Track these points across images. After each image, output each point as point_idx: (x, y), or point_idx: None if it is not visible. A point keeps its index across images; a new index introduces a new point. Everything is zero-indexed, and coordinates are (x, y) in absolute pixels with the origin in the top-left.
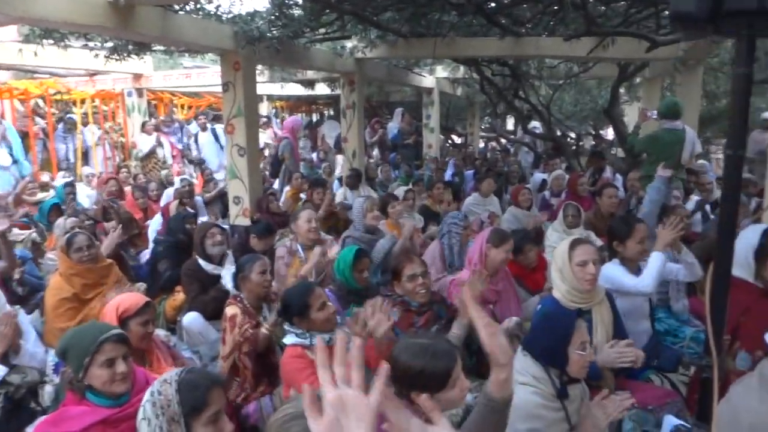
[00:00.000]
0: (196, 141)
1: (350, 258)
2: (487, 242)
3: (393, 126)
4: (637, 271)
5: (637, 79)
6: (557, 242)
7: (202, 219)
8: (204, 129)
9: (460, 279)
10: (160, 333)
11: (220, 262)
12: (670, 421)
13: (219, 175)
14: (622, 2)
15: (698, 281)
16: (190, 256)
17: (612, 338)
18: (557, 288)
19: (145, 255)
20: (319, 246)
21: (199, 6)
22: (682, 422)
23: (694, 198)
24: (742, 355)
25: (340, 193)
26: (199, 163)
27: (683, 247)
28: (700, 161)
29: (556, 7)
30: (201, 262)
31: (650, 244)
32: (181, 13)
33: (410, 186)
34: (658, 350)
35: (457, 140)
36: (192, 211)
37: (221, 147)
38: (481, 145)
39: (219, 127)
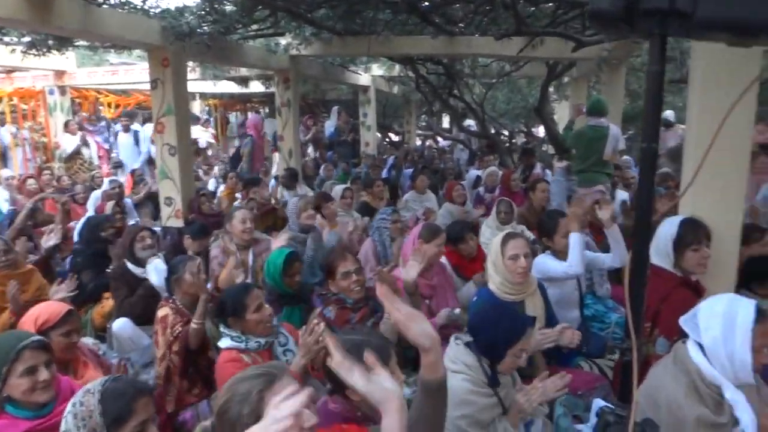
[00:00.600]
0: (115, 139)
1: (280, 262)
2: (419, 237)
3: (330, 124)
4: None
5: (566, 78)
6: (491, 237)
7: (132, 222)
8: (126, 130)
9: (396, 275)
10: (88, 341)
11: None
12: (597, 404)
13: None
14: (551, 3)
15: (621, 270)
16: (110, 262)
17: (544, 327)
18: (492, 280)
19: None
20: (232, 257)
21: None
22: (607, 404)
23: (620, 193)
24: (661, 341)
25: (277, 192)
26: (117, 166)
27: (613, 225)
28: (625, 157)
29: (487, 7)
30: (129, 265)
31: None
32: (104, 6)
33: (348, 184)
34: (587, 337)
35: (395, 138)
36: (116, 212)
37: (140, 152)
38: (419, 142)
39: (147, 128)
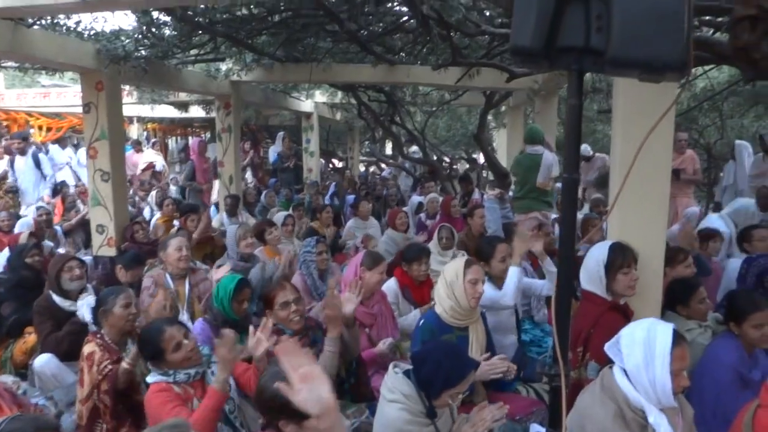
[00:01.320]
0: (11, 166)
1: (231, 288)
2: (361, 265)
3: (274, 150)
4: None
5: (503, 107)
6: (431, 263)
7: (61, 250)
8: (23, 153)
9: None
10: (6, 380)
11: (76, 298)
12: (534, 428)
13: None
14: (486, 36)
15: None
16: (38, 294)
17: (484, 352)
18: (441, 303)
19: None
20: (162, 289)
21: (56, 21)
22: (543, 429)
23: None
24: (592, 365)
25: (217, 219)
26: (12, 191)
27: (546, 257)
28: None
29: (425, 38)
30: (56, 298)
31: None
32: (35, 27)
33: (290, 211)
34: (525, 361)
35: (338, 164)
36: (34, 241)
37: (43, 176)
38: (362, 169)
39: (54, 149)
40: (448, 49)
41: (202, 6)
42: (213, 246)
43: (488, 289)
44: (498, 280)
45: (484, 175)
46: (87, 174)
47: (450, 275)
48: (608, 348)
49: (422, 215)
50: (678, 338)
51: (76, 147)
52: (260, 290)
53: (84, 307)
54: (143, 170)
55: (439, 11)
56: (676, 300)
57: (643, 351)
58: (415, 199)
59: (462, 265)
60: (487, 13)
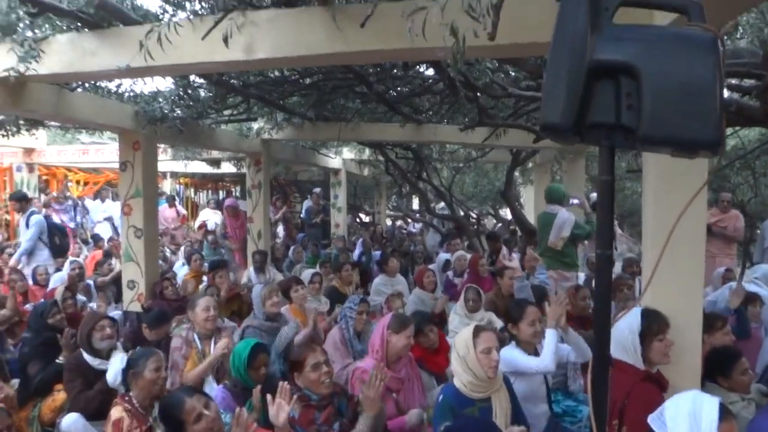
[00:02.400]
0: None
1: (245, 355)
2: (387, 328)
3: (307, 204)
4: (534, 352)
5: (530, 164)
6: (459, 327)
7: (93, 305)
8: (20, 212)
9: (362, 367)
10: None
11: (107, 356)
12: None
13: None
14: (512, 98)
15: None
16: (60, 352)
17: (511, 423)
18: (458, 377)
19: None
20: (222, 338)
21: (97, 84)
22: None
23: (582, 274)
24: None
25: (246, 274)
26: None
27: (569, 328)
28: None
29: (452, 99)
30: (86, 356)
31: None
32: (78, 90)
33: (317, 268)
34: None
35: (365, 219)
36: (66, 297)
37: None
38: (389, 223)
39: (92, 205)
40: (475, 109)
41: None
42: (241, 303)
43: (518, 354)
44: (527, 345)
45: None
46: (121, 229)
47: (461, 348)
48: (652, 420)
49: (450, 273)
50: (725, 412)
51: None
52: (283, 352)
53: (113, 369)
54: (198, 228)
55: (466, 75)
56: (716, 370)
57: (689, 424)
58: (443, 256)
59: (470, 336)
60: (513, 74)
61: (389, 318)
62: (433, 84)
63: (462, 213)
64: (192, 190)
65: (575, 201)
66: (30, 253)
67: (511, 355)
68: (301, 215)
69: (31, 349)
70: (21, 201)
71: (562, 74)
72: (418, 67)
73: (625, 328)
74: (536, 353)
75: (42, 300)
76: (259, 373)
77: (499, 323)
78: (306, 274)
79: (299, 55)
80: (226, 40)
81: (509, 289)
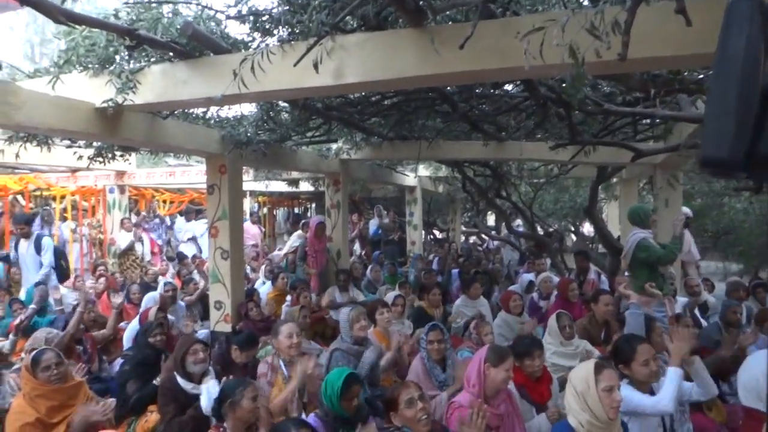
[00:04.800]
0: (15, 248)
1: (339, 385)
2: (485, 362)
3: (373, 223)
4: (649, 392)
5: (614, 179)
6: (552, 356)
7: (182, 328)
8: (27, 236)
9: (459, 403)
10: None
11: (200, 380)
12: None
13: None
14: (602, 116)
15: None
16: (158, 371)
17: None
18: (575, 416)
19: (116, 365)
20: (301, 362)
21: (186, 111)
22: None
23: (680, 299)
24: None
25: (327, 294)
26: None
27: (697, 358)
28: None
29: (541, 118)
30: (180, 380)
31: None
32: (169, 118)
33: (397, 288)
34: None
35: (439, 235)
36: (162, 316)
37: (41, 263)
38: (462, 238)
39: (180, 222)
40: (564, 126)
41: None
42: (324, 325)
43: (639, 396)
44: (641, 385)
45: (591, 247)
46: (208, 250)
47: (580, 384)
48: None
49: (535, 296)
50: None
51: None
52: (369, 379)
53: (207, 396)
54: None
55: (558, 92)
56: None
57: None
58: (525, 277)
59: (592, 371)
60: (606, 89)
61: (486, 351)
62: (521, 102)
63: (541, 230)
64: (268, 207)
65: (682, 216)
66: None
67: (628, 394)
68: (370, 232)
69: (131, 367)
70: (26, 225)
71: (729, 101)
72: (506, 85)
73: (752, 372)
74: (651, 391)
75: (138, 318)
76: (351, 403)
77: (596, 352)
78: (389, 297)
79: (389, 79)
80: (316, 66)
81: (604, 316)
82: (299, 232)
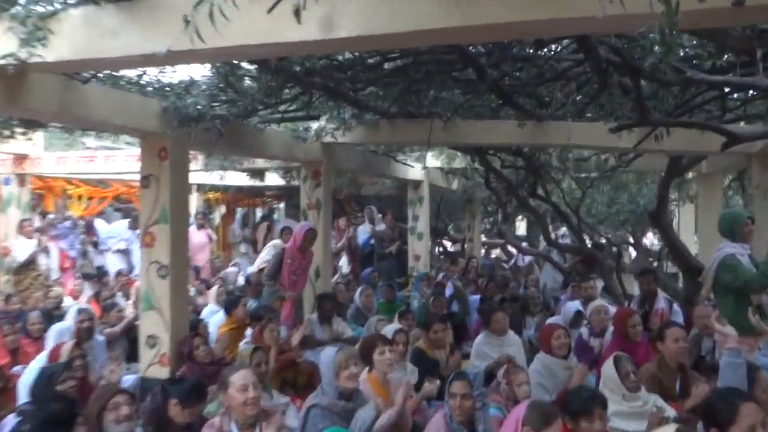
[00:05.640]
0: None
1: None
2: (524, 424)
3: (364, 230)
4: None
5: (690, 174)
6: (611, 417)
7: (101, 372)
8: None
9: None
10: None
11: None
12: None
13: None
14: (681, 88)
15: None
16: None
17: None
18: None
19: (6, 425)
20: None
21: (116, 73)
22: None
23: None
24: None
25: (305, 325)
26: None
27: None
28: None
29: (599, 89)
30: None
31: None
32: (92, 81)
33: (396, 320)
34: None
35: (451, 247)
36: (75, 356)
37: None
38: (482, 252)
39: (102, 226)
40: (628, 99)
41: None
42: (297, 372)
43: None
44: None
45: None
46: (140, 264)
47: None
48: None
49: (584, 331)
50: None
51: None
52: None
53: None
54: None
55: (624, 54)
56: None
57: None
58: (571, 306)
59: None
60: (688, 51)
61: (526, 410)
62: (572, 67)
63: (591, 242)
64: (222, 207)
65: None
66: None
67: None
68: (359, 242)
69: (33, 427)
70: None
71: None
72: (554, 44)
73: None
74: None
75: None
76: None
77: (670, 411)
78: (388, 331)
79: (397, 32)
80: (298, 13)
81: (676, 358)
82: (276, 241)
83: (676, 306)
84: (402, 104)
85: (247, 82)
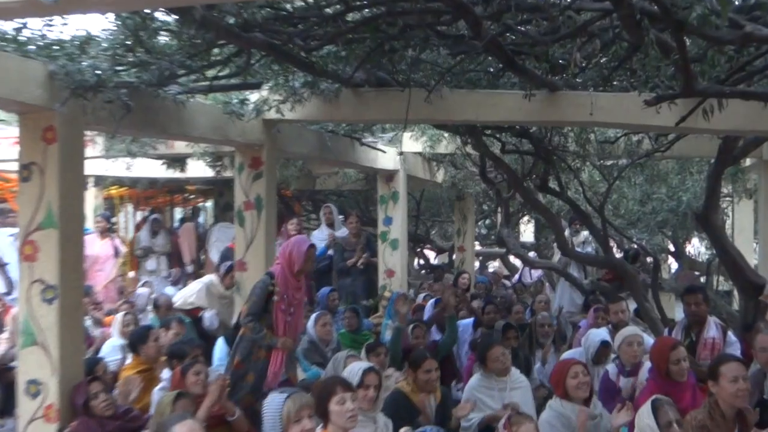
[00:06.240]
0: None
1: None
2: None
3: (319, 236)
4: None
5: (747, 161)
6: None
7: None
8: None
9: None
10: None
11: None
12: None
13: None
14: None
15: None
16: None
17: None
18: None
19: None
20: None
21: None
22: None
23: None
24: None
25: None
26: None
27: None
28: None
29: (630, 49)
30: None
31: None
32: None
33: (362, 355)
34: None
35: (436, 259)
36: None
37: None
38: (476, 265)
39: None
40: (668, 63)
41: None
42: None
43: None
44: None
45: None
46: (18, 284)
47: None
48: None
49: (611, 368)
50: None
51: None
52: None
53: None
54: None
55: (664, 2)
56: None
57: None
58: (594, 336)
59: None
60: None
61: None
62: (596, 20)
63: (619, 250)
64: (130, 208)
65: None
66: None
67: None
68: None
69: None
70: None
71: None
72: None
73: None
74: None
75: None
76: None
77: None
78: (351, 372)
79: None
80: None
81: (733, 402)
82: (212, 277)
83: (731, 335)
84: (371, 69)
85: (164, 38)
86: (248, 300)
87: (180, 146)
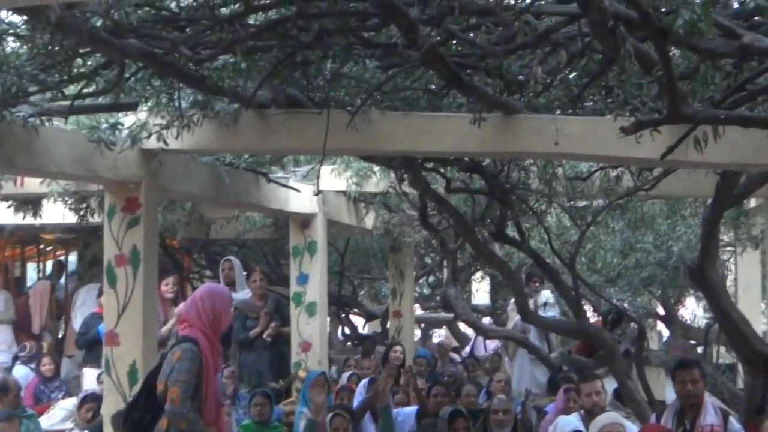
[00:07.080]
0: None
1: None
2: None
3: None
4: None
5: (752, 202)
6: None
7: None
8: None
9: None
10: None
11: None
12: None
13: None
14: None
15: None
16: None
17: None
18: None
19: None
20: None
21: None
22: None
23: None
24: None
25: None
26: None
27: None
28: None
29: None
30: None
31: None
32: None
33: None
34: None
35: (364, 327)
36: None
37: None
38: (417, 334)
39: None
40: (650, 81)
41: None
42: None
43: None
44: None
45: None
46: None
47: None
48: None
49: None
50: None
51: None
52: None
53: None
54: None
55: (643, 6)
56: None
57: None
58: (565, 425)
59: None
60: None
61: None
62: (562, 26)
63: (593, 314)
64: None
65: None
66: None
67: None
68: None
69: None
70: None
71: None
72: None
73: None
74: None
75: None
76: None
77: None
78: None
79: None
80: None
81: None
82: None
83: (734, 421)
84: (279, 85)
85: (11, 45)
86: (174, 378)
87: (32, 184)
